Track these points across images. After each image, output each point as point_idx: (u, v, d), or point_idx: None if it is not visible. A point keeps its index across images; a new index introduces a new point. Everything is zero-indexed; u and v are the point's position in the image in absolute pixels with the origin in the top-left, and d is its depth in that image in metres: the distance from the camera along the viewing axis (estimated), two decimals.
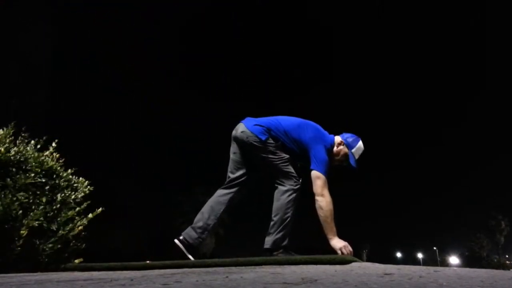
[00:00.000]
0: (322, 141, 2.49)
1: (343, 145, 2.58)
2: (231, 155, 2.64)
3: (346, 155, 2.57)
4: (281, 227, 2.34)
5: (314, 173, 2.39)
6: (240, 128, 2.52)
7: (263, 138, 2.44)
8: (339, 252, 2.25)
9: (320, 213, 2.32)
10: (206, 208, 2.49)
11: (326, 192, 2.35)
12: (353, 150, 2.57)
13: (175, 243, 2.39)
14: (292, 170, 2.45)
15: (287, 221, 2.36)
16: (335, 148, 2.56)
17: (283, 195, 2.39)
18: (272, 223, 2.38)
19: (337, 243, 2.27)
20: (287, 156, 2.46)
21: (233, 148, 2.63)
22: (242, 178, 2.57)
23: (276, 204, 2.40)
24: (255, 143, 2.43)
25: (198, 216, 2.47)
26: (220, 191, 2.56)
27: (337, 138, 2.63)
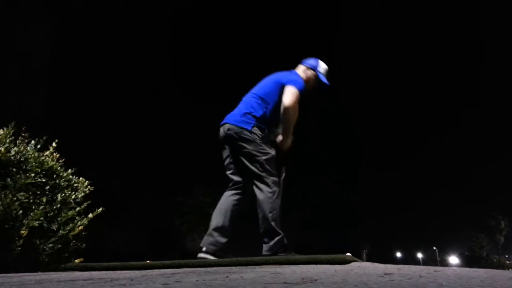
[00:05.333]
0: (297, 76, 2.66)
1: (308, 69, 2.76)
2: (226, 160, 2.62)
3: (316, 76, 2.77)
4: (273, 233, 2.31)
5: (289, 87, 2.47)
6: (226, 127, 2.53)
7: (249, 127, 2.46)
8: (281, 147, 2.55)
9: (288, 116, 2.44)
10: (216, 212, 2.47)
11: (295, 101, 2.44)
12: (319, 69, 2.77)
13: (201, 257, 2.31)
14: (274, 170, 2.45)
15: (276, 225, 2.32)
16: (304, 76, 2.70)
17: (263, 203, 2.35)
18: (262, 231, 2.35)
19: (288, 141, 2.56)
20: (273, 153, 2.49)
21: (225, 152, 2.63)
22: (245, 182, 2.55)
23: (260, 214, 2.35)
24: (245, 137, 2.44)
25: (212, 222, 2.44)
26: (227, 193, 2.55)
27: (300, 67, 2.79)
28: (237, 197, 2.52)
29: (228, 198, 2.51)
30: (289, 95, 2.45)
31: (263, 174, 2.39)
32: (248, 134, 2.45)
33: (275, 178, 2.42)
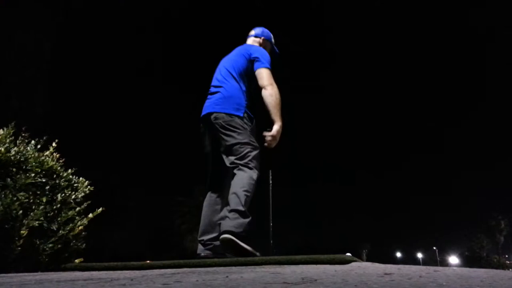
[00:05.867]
0: (263, 51, 2.53)
1: (265, 41, 2.76)
2: (210, 158, 2.43)
3: (272, 45, 2.79)
4: (242, 213, 2.05)
5: (261, 69, 2.37)
6: (213, 116, 2.30)
7: (241, 113, 2.29)
8: (268, 137, 2.28)
9: (270, 100, 2.28)
10: (202, 219, 2.36)
11: (273, 82, 2.34)
12: (272, 39, 2.80)
13: (201, 257, 2.23)
14: (257, 163, 2.26)
15: (246, 207, 2.09)
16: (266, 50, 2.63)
17: (243, 179, 2.13)
18: (230, 207, 2.08)
19: (279, 129, 2.28)
20: (259, 147, 2.30)
21: (207, 141, 2.43)
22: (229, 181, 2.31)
23: (234, 190, 2.11)
24: (236, 126, 2.24)
25: (200, 228, 2.35)
26: (211, 199, 2.39)
27: (257, 39, 2.74)
28: (219, 203, 2.36)
29: (210, 207, 2.35)
30: (268, 77, 2.34)
31: (251, 164, 2.19)
32: (239, 122, 2.27)
33: (258, 175, 2.22)
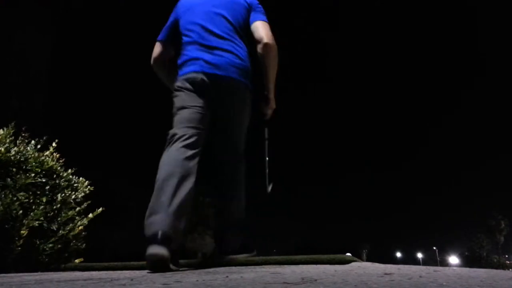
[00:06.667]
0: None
1: None
2: (194, 109, 1.78)
3: None
4: (242, 229, 1.89)
5: (261, 22, 1.91)
6: (232, 83, 1.77)
7: (251, 86, 1.87)
8: (269, 111, 2.00)
9: (274, 64, 1.87)
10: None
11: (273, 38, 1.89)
12: None
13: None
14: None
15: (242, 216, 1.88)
16: None
17: (241, 187, 1.89)
18: (231, 222, 1.87)
19: (273, 100, 1.98)
20: None
21: (198, 101, 1.78)
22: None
23: (236, 200, 1.88)
24: (246, 101, 1.84)
25: None
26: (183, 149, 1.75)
27: None
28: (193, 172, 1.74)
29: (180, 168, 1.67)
30: (268, 30, 1.89)
31: (241, 154, 1.92)
32: (249, 96, 1.86)
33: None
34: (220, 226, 1.92)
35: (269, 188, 1.99)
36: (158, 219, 1.51)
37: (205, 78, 1.76)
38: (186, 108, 1.77)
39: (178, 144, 1.67)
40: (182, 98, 1.80)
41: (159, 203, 1.53)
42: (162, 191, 1.55)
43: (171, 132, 1.75)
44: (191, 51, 1.84)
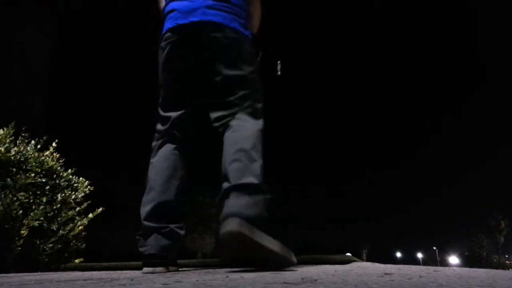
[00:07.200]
0: None
1: None
2: (178, 86, 1.61)
3: None
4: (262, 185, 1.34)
5: None
6: (208, 28, 1.49)
7: (250, 35, 1.62)
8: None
9: (256, 24, 1.79)
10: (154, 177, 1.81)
11: None
12: None
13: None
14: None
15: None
16: None
17: (252, 130, 1.44)
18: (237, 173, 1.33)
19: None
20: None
21: (181, 63, 1.57)
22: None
23: (240, 145, 1.39)
24: (242, 50, 1.55)
25: None
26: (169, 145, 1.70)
27: None
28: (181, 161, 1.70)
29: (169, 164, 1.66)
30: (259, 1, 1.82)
31: (260, 111, 1.55)
32: (248, 48, 1.59)
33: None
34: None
35: (278, 69, 1.83)
36: (151, 241, 1.58)
37: (181, 36, 1.54)
38: (169, 84, 1.62)
39: (167, 147, 1.68)
40: (163, 69, 1.62)
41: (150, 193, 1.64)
42: (155, 182, 1.65)
43: (157, 127, 1.67)
44: None
